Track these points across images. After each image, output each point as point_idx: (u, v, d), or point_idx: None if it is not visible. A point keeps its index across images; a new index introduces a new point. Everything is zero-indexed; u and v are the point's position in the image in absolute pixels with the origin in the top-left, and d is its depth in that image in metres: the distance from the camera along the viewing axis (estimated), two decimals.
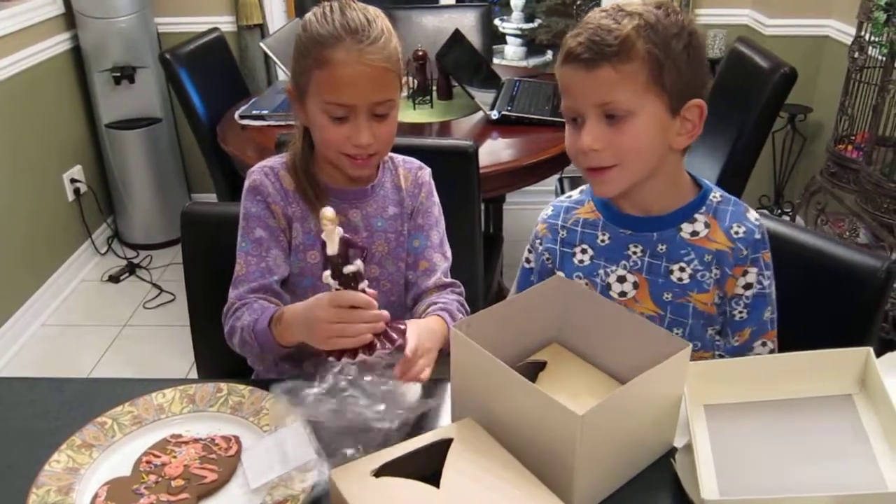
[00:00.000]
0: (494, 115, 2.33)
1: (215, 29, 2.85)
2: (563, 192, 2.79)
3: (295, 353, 1.21)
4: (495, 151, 2.19)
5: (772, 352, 1.13)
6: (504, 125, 2.33)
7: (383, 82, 1.11)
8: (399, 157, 1.28)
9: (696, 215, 1.11)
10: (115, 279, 3.11)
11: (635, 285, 1.13)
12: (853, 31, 2.72)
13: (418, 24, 3.11)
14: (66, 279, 3.04)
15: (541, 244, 1.22)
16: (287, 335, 1.05)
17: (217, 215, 1.39)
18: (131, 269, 3.17)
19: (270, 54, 2.34)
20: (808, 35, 2.98)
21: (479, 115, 2.40)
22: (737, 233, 1.10)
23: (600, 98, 1.00)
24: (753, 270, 1.10)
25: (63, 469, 0.86)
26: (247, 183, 1.21)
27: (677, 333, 1.08)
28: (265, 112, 2.46)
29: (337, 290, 0.95)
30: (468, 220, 1.87)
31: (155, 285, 3.07)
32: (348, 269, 0.93)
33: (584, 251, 1.17)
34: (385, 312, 0.97)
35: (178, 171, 3.37)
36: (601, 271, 1.15)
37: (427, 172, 1.29)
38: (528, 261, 1.27)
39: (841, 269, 1.20)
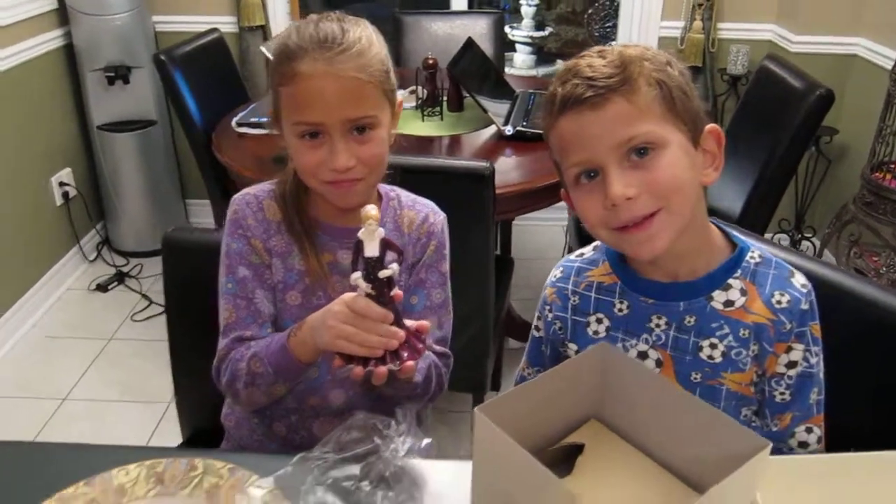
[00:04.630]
0: (509, 130, 2.18)
1: (215, 29, 2.71)
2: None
3: (267, 410, 1.07)
4: (508, 171, 2.05)
5: (819, 439, 0.97)
6: (518, 141, 2.18)
7: (358, 96, 0.97)
8: (408, 197, 1.13)
9: (731, 280, 0.94)
10: (102, 288, 2.96)
11: (658, 363, 0.97)
12: (885, 50, 2.59)
13: (428, 30, 2.97)
14: (51, 287, 2.89)
15: (550, 311, 1.04)
16: (308, 342, 0.95)
17: (202, 243, 1.25)
18: (120, 277, 3.02)
19: (271, 58, 2.18)
20: (836, 53, 2.84)
21: (492, 129, 2.26)
22: (779, 302, 0.92)
23: (621, 136, 0.85)
24: (799, 347, 0.93)
25: None
26: (228, 213, 1.07)
27: None
28: (264, 120, 2.31)
29: (368, 294, 0.87)
30: (481, 246, 1.73)
31: (144, 296, 2.92)
32: (384, 273, 0.86)
33: (599, 321, 1.00)
34: (401, 332, 0.88)
35: (172, 176, 3.22)
36: (619, 346, 0.98)
37: (441, 220, 1.12)
38: (537, 328, 1.09)
39: None
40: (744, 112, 2.43)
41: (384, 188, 1.11)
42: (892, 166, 2.10)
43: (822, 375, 0.95)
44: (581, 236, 2.42)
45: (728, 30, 2.98)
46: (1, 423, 2.29)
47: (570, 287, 1.03)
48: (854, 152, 2.81)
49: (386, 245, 0.85)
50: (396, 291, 0.89)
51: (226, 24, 3.04)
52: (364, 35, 0.98)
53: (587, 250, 1.05)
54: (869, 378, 1.09)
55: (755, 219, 2.18)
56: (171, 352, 1.27)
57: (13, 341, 2.64)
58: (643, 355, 0.97)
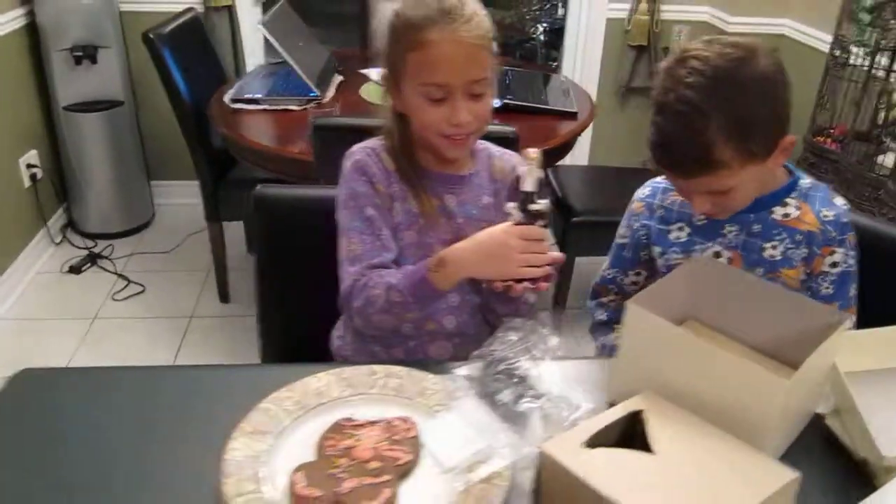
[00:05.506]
0: (497, 103, 2.35)
1: (191, 9, 2.75)
2: (548, 180, 2.86)
3: (386, 336, 1.21)
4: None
5: (854, 326, 1.21)
6: (503, 113, 2.35)
7: (478, 60, 1.12)
8: (496, 149, 1.29)
9: (788, 199, 1.20)
10: (76, 270, 2.94)
11: (729, 261, 1.21)
12: (808, 29, 2.91)
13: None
14: (22, 271, 2.85)
15: (637, 221, 1.31)
16: (454, 275, 1.08)
17: (289, 199, 1.37)
18: (92, 259, 3.01)
19: (270, 37, 2.27)
20: (767, 33, 3.14)
21: None
22: (826, 216, 1.19)
23: (703, 189, 1.10)
24: (840, 250, 1.19)
25: (244, 457, 0.83)
26: (348, 163, 1.20)
27: None
28: (258, 96, 2.39)
29: (519, 222, 1.02)
30: None
31: (121, 276, 2.92)
32: (535, 207, 1.02)
33: (680, 229, 1.26)
34: (558, 256, 1.06)
35: (138, 158, 3.21)
36: (697, 248, 1.23)
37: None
38: (622, 236, 1.34)
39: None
40: None
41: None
42: (831, 131, 2.40)
43: (856, 275, 1.21)
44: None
45: (669, 11, 3.24)
46: None
47: (656, 202, 1.29)
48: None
49: (541, 183, 1.01)
50: (544, 223, 1.05)
51: (190, 4, 3.05)
52: (477, 7, 1.13)
53: None
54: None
55: None
56: (258, 295, 1.38)
57: None
58: (717, 255, 1.22)
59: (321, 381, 0.96)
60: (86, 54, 2.86)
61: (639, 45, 3.24)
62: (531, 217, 1.03)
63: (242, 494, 0.78)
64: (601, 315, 1.36)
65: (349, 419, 0.90)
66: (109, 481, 0.85)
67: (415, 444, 0.87)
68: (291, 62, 2.32)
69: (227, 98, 2.42)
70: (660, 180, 1.30)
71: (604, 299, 1.38)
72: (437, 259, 1.09)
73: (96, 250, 3.07)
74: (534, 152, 1.02)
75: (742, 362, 0.81)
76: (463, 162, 1.22)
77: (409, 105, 1.15)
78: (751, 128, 1.04)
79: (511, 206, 1.04)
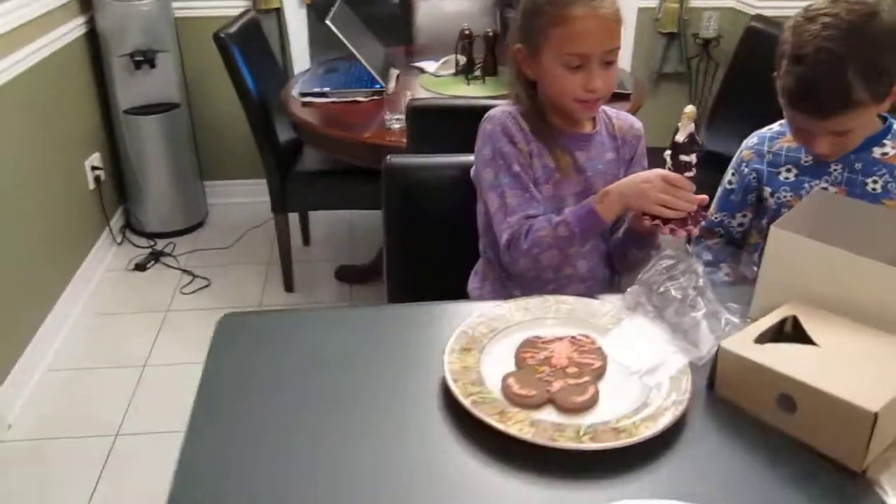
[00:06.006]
0: None
1: (249, 11, 2.87)
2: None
3: (526, 281, 1.34)
4: None
5: None
6: None
7: (613, 32, 1.26)
8: (612, 111, 1.43)
9: (885, 140, 1.36)
10: (141, 267, 3.06)
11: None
12: None
13: (437, 8, 3.24)
14: (91, 270, 2.96)
15: (746, 166, 1.47)
16: (615, 203, 1.22)
17: (416, 167, 1.50)
18: (156, 256, 3.13)
19: (338, 33, 2.40)
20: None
21: None
22: None
23: (831, 129, 1.26)
24: None
25: (460, 368, 0.95)
26: (488, 126, 1.33)
27: None
28: (326, 89, 2.53)
29: (669, 168, 1.16)
30: None
31: (186, 271, 3.04)
32: (684, 158, 1.15)
33: (789, 170, 1.41)
34: (700, 198, 1.17)
35: (192, 158, 3.33)
36: (806, 185, 1.39)
37: (642, 127, 1.43)
38: (730, 182, 1.50)
39: None
40: (735, 75, 2.81)
41: None
42: None
43: None
44: None
45: None
46: (95, 390, 2.40)
47: (765, 148, 1.45)
48: None
49: (692, 139, 1.14)
50: (691, 174, 1.17)
51: (240, 8, 3.17)
52: None
53: (775, 126, 1.46)
54: None
55: None
56: (386, 251, 1.52)
57: (71, 321, 2.71)
58: (824, 189, 1.37)
59: (502, 308, 1.09)
60: (146, 59, 2.98)
61: (669, 32, 3.38)
62: (679, 167, 1.16)
63: (470, 395, 0.91)
64: (707, 256, 1.50)
65: (537, 337, 1.03)
66: (335, 402, 0.96)
67: (601, 353, 1.00)
68: (359, 56, 2.45)
69: (294, 92, 2.55)
70: (765, 131, 1.46)
71: (709, 242, 1.52)
72: (602, 193, 1.24)
73: (157, 248, 3.19)
74: (689, 109, 1.15)
75: (888, 268, 0.94)
76: (586, 122, 1.36)
77: (547, 73, 1.28)
78: (881, 72, 1.21)
79: (666, 154, 1.17)
